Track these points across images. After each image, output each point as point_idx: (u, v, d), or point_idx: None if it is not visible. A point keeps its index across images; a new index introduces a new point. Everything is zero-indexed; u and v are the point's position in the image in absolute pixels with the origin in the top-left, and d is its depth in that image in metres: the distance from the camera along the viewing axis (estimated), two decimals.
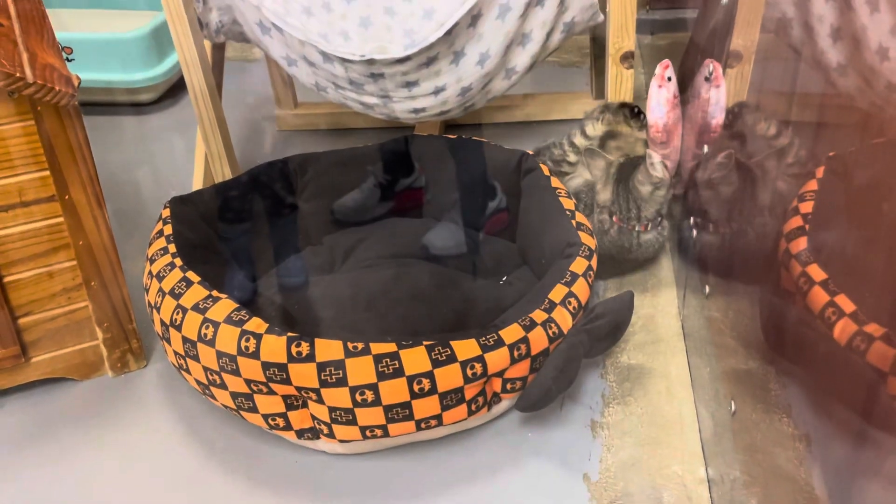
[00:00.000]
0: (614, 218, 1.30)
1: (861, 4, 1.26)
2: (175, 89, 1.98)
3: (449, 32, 1.27)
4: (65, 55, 1.84)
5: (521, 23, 1.33)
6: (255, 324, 0.99)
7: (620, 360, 1.19)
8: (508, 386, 1.04)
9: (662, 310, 1.28)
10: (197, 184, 1.51)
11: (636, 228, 1.29)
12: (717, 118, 1.25)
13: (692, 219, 1.30)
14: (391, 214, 1.46)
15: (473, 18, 1.29)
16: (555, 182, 1.31)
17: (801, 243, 1.11)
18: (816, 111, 1.48)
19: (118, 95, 1.91)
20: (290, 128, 1.84)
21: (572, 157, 1.42)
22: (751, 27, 1.23)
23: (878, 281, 1.02)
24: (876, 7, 1.24)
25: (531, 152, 1.39)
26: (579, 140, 1.42)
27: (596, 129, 1.41)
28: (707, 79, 1.24)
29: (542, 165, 1.34)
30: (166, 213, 1.23)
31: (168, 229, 1.19)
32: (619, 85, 1.39)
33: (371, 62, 1.29)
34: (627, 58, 1.36)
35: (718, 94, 1.24)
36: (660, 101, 1.27)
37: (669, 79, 1.28)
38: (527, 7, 1.31)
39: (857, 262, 1.10)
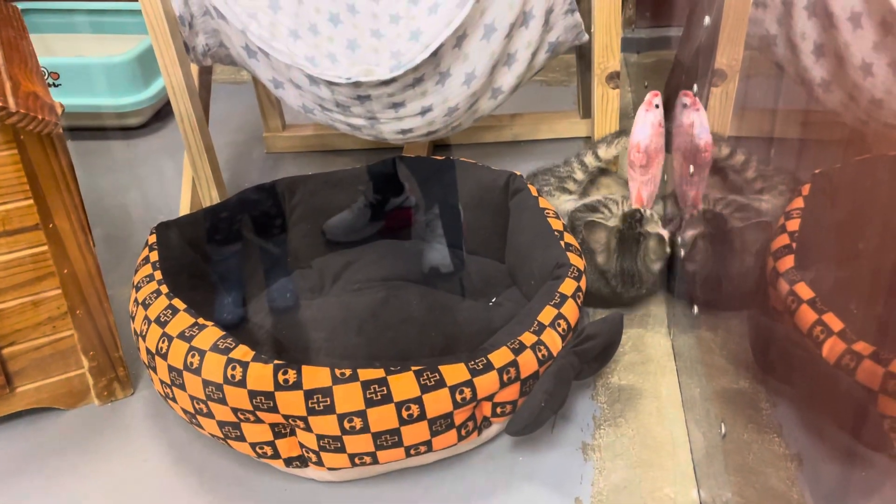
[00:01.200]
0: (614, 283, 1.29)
1: (843, 21, 1.26)
2: (163, 112, 1.98)
3: (435, 53, 1.27)
4: (51, 81, 1.85)
5: (507, 43, 1.33)
6: (242, 351, 0.99)
7: (611, 381, 1.18)
8: (498, 410, 1.03)
9: (652, 329, 1.27)
10: (184, 208, 1.50)
11: (632, 292, 1.29)
12: (705, 138, 1.25)
13: (679, 239, 1.29)
14: (381, 234, 1.46)
15: (459, 39, 1.29)
16: (542, 203, 1.31)
17: (788, 261, 1.11)
18: (801, 128, 1.49)
19: (106, 120, 1.91)
20: (278, 150, 1.84)
21: (579, 175, 1.42)
22: (734, 46, 1.24)
23: (866, 299, 1.02)
24: (858, 24, 1.25)
25: (518, 173, 1.39)
26: (590, 159, 1.42)
27: (608, 152, 1.41)
28: (685, 105, 1.25)
29: (529, 186, 1.34)
30: (152, 239, 1.22)
31: (154, 256, 1.18)
32: (606, 104, 1.39)
33: (357, 84, 1.29)
34: (613, 77, 1.36)
35: (700, 116, 1.24)
36: (645, 123, 1.28)
37: (657, 106, 1.29)
38: (511, 27, 1.31)
39: (843, 280, 1.10)
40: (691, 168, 1.29)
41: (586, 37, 1.39)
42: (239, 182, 1.70)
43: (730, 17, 1.21)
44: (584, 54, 1.72)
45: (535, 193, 1.33)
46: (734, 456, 1.03)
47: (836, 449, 0.99)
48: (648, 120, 1.27)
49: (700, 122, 1.24)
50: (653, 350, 1.23)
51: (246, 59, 1.39)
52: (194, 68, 1.49)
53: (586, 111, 1.79)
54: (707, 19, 1.24)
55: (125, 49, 1.86)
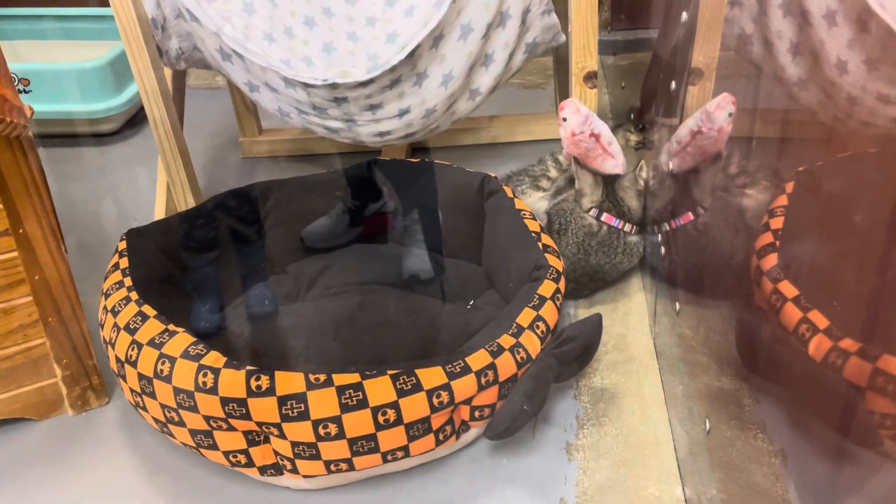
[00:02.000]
0: (605, 216, 1.30)
1: (818, 19, 1.27)
2: (136, 118, 1.96)
3: (411, 54, 1.26)
4: (21, 87, 1.82)
5: (484, 44, 1.32)
6: (213, 358, 0.96)
7: (593, 381, 1.17)
8: (476, 413, 1.01)
9: (634, 328, 1.27)
10: (159, 214, 1.48)
11: (624, 227, 1.31)
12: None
13: (660, 236, 1.29)
14: (360, 239, 1.44)
15: (435, 40, 1.29)
16: (518, 204, 1.30)
17: (772, 259, 1.11)
18: (780, 126, 1.50)
19: (79, 126, 1.88)
20: (254, 155, 1.82)
21: (553, 173, 1.42)
22: (710, 44, 1.24)
23: (851, 295, 1.01)
24: (833, 21, 1.25)
25: (493, 175, 1.38)
26: (564, 158, 1.42)
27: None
28: (731, 115, 1.27)
29: (504, 188, 1.33)
30: (122, 245, 1.20)
31: (124, 262, 1.16)
32: (584, 104, 1.38)
33: (334, 86, 1.28)
34: (591, 77, 1.36)
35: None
36: (562, 138, 1.35)
37: (565, 119, 1.33)
38: (488, 28, 1.30)
39: (828, 277, 1.09)
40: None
41: (563, 38, 1.39)
42: (215, 188, 1.68)
43: (706, 16, 1.21)
44: (560, 56, 1.72)
45: (510, 195, 1.32)
46: (718, 453, 1.02)
47: (821, 445, 0.98)
48: (562, 134, 1.34)
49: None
50: (635, 349, 1.23)
51: (220, 62, 1.37)
52: (168, 72, 1.47)
53: None
54: (684, 15, 1.24)
55: (97, 55, 1.84)
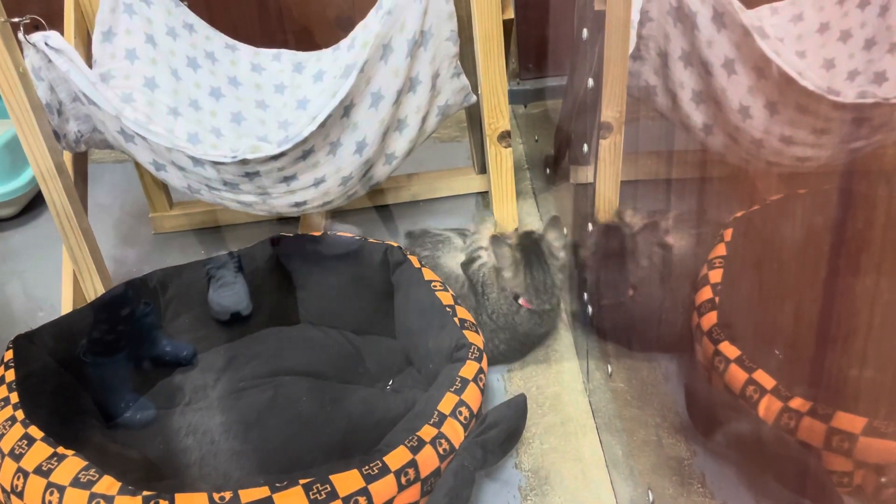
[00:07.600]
0: (521, 300, 1.27)
1: (718, 68, 1.30)
2: (38, 200, 1.86)
3: (323, 124, 1.24)
4: None
5: (396, 110, 1.31)
6: (107, 484, 0.89)
7: (533, 447, 1.15)
8: None
9: (568, 386, 1.26)
10: (66, 305, 1.40)
11: (545, 304, 1.28)
12: None
13: (586, 295, 1.29)
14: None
15: (346, 109, 1.27)
16: (427, 274, 1.26)
17: (712, 318, 1.10)
18: (690, 169, 1.53)
19: None
20: (166, 230, 1.75)
21: (461, 243, 1.41)
22: (617, 99, 1.26)
23: (795, 350, 1.01)
24: (733, 70, 1.29)
25: (396, 244, 1.35)
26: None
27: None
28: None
29: (410, 257, 1.30)
30: (9, 355, 1.09)
31: (10, 375, 1.05)
32: (500, 164, 1.39)
33: (244, 162, 1.24)
34: (504, 137, 1.36)
35: None
36: None
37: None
38: (399, 94, 1.29)
39: (770, 332, 1.09)
40: None
41: (474, 98, 1.39)
42: (126, 270, 1.61)
43: (610, 73, 1.23)
44: (474, 112, 1.72)
45: (417, 265, 1.29)
46: None
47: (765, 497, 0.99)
48: None
49: None
50: (571, 409, 1.22)
51: (123, 143, 1.32)
52: (67, 155, 1.41)
53: (481, 167, 1.79)
54: (591, 82, 1.26)
55: None
